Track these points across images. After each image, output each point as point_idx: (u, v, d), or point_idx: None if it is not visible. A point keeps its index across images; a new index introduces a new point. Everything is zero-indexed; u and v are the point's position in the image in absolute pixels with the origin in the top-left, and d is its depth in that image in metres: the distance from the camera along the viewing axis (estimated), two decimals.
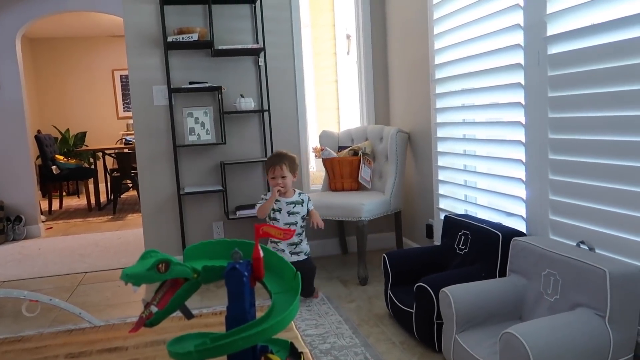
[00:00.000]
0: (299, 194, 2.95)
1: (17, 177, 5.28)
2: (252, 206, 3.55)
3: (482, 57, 2.62)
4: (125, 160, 6.63)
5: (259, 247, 0.96)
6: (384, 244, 3.96)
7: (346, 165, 3.59)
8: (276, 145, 3.77)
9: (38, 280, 3.75)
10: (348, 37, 4.70)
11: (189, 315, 0.95)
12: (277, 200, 2.88)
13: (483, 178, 2.74)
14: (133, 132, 8.35)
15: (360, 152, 3.60)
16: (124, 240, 4.93)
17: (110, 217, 6.31)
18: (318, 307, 2.86)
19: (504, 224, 2.48)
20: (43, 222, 5.57)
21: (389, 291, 2.63)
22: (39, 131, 7.66)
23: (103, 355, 0.98)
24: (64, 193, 7.81)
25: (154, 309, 0.91)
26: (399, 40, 3.74)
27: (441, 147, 3.11)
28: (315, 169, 4.74)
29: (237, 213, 3.51)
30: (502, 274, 2.24)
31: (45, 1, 5.26)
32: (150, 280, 0.86)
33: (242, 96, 3.61)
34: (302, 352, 0.95)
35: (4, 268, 4.16)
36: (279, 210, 2.88)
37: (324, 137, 3.86)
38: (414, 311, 2.34)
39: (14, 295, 2.15)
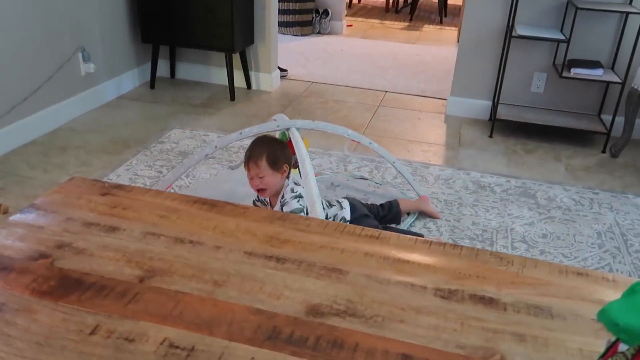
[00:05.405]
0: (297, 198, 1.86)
1: None
2: (593, 64, 2.90)
3: None
4: None
5: None
6: None
7: None
8: None
9: (342, 89, 3.83)
10: None
11: None
12: (259, 203, 2.02)
13: None
14: None
15: None
16: (421, 59, 4.71)
17: (406, 24, 6.10)
18: None
19: None
20: (345, 16, 5.61)
21: None
22: None
23: None
24: None
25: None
26: None
27: None
28: None
29: (572, 71, 2.91)
30: None
31: None
32: None
33: None
34: None
35: (312, 65, 4.35)
36: None
37: None
38: None
39: (339, 132, 2.12)
